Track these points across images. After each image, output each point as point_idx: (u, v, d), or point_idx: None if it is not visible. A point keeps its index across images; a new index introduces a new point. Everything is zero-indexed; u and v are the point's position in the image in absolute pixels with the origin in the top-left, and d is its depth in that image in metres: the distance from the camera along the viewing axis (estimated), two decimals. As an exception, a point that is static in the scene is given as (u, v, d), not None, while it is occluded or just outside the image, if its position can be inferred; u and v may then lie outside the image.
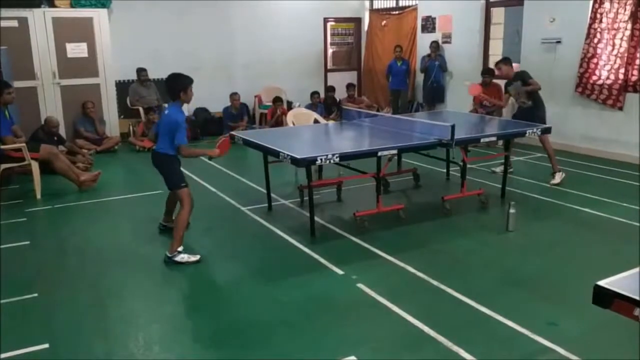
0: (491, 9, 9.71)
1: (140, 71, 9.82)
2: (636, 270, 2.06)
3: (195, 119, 10.36)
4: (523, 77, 6.80)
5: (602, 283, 1.96)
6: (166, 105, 10.58)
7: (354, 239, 5.01)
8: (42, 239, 5.30)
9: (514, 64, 9.88)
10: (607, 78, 7.87)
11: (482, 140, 5.87)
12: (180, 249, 4.60)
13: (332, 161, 4.79)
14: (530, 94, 6.75)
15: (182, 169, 4.78)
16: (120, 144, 9.36)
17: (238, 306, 3.87)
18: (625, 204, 5.78)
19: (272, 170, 5.88)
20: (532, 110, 6.72)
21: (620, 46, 7.70)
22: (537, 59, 8.65)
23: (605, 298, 1.93)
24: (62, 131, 8.56)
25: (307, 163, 4.74)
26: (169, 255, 4.58)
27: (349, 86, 11.19)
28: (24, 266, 4.60)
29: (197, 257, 4.63)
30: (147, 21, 10.14)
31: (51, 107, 8.94)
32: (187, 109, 10.22)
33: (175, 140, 4.53)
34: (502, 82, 9.05)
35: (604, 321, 2.89)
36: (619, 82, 7.73)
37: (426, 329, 3.43)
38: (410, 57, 11.19)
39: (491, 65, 9.67)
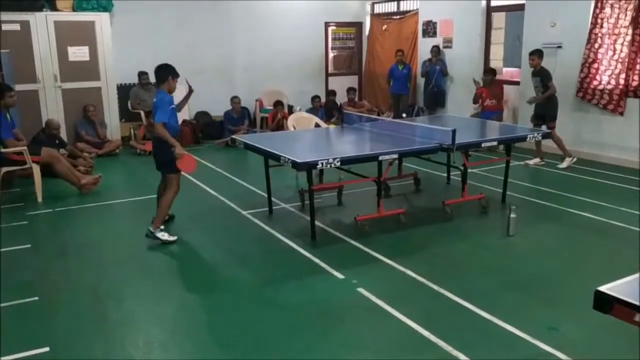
0: (492, 13, 9.72)
1: (142, 75, 9.84)
2: (636, 275, 2.06)
3: (196, 123, 10.38)
4: (542, 76, 7.68)
5: (602, 288, 1.95)
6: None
7: (354, 243, 5.01)
8: (43, 242, 5.31)
9: (514, 69, 10.00)
10: (608, 83, 7.87)
11: (483, 144, 5.88)
12: (162, 227, 5.12)
13: (333, 165, 4.79)
14: (544, 92, 7.66)
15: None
16: (121, 147, 9.37)
17: (238, 309, 3.87)
18: (625, 209, 5.78)
19: (272, 174, 5.89)
20: (544, 107, 7.69)
21: (621, 51, 7.71)
22: (538, 63, 8.66)
23: (605, 303, 1.93)
24: (63, 134, 8.58)
25: (307, 167, 4.74)
26: (152, 230, 5.08)
27: (350, 90, 11.21)
28: (25, 269, 4.60)
29: (174, 238, 5.09)
30: (148, 25, 10.16)
31: (52, 110, 8.96)
32: (188, 112, 10.27)
33: (159, 118, 4.88)
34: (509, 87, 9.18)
35: (604, 326, 2.89)
36: (620, 87, 7.74)
37: (426, 333, 3.43)
38: (412, 62, 11.21)
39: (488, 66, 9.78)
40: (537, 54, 7.69)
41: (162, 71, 5.07)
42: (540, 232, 5.29)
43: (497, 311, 3.67)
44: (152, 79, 9.85)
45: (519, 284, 4.18)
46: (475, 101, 9.14)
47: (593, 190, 6.57)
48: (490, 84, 9.02)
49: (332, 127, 7.86)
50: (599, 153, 8.00)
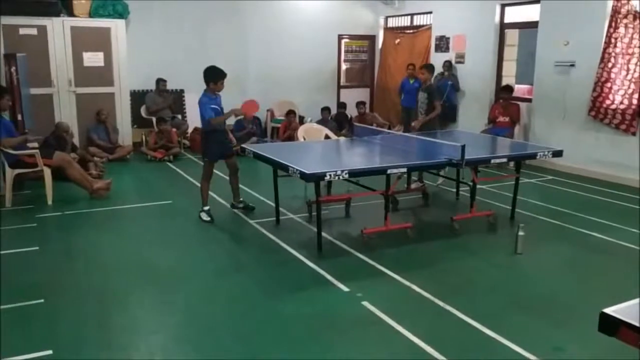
0: (505, 30, 9.73)
1: (160, 81, 9.93)
2: (643, 298, 2.03)
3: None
4: (430, 92, 7.20)
5: (608, 310, 1.93)
6: (179, 116, 10.64)
7: (360, 255, 4.99)
8: (51, 245, 5.33)
9: (526, 86, 9.99)
10: (621, 103, 7.83)
11: (492, 161, 5.85)
12: (206, 208, 5.98)
13: (341, 177, 4.79)
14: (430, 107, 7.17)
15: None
16: (132, 153, 9.43)
17: (241, 319, 3.86)
18: (634, 230, 5.72)
19: (281, 185, 5.91)
20: (423, 127, 7.18)
21: (635, 71, 7.67)
22: (551, 81, 8.64)
23: (611, 326, 1.91)
24: (75, 138, 8.64)
25: (316, 178, 4.75)
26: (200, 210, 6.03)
27: (359, 104, 11.21)
28: (32, 271, 4.63)
29: (209, 219, 5.90)
30: (163, 33, 10.27)
31: (66, 114, 9.03)
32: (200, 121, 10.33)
33: (204, 117, 5.78)
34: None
35: (611, 348, 2.84)
36: (633, 107, 7.69)
37: (429, 349, 3.40)
38: (423, 76, 11.19)
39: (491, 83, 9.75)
40: (426, 68, 7.45)
41: (205, 75, 5.86)
42: (549, 251, 5.25)
43: (503, 330, 3.64)
44: (170, 86, 10.09)
45: (526, 302, 4.14)
46: (490, 120, 9.18)
47: (603, 210, 6.51)
48: (506, 102, 9.04)
49: (342, 139, 7.87)
50: (610, 173, 7.94)
